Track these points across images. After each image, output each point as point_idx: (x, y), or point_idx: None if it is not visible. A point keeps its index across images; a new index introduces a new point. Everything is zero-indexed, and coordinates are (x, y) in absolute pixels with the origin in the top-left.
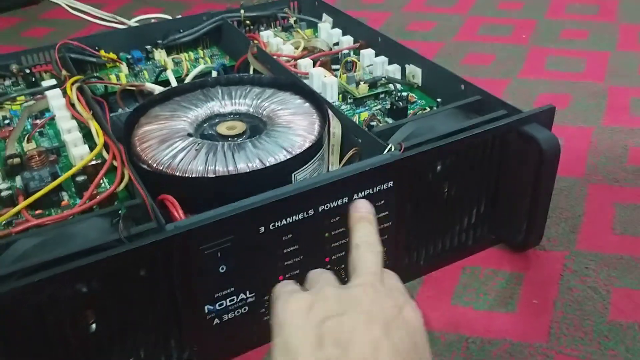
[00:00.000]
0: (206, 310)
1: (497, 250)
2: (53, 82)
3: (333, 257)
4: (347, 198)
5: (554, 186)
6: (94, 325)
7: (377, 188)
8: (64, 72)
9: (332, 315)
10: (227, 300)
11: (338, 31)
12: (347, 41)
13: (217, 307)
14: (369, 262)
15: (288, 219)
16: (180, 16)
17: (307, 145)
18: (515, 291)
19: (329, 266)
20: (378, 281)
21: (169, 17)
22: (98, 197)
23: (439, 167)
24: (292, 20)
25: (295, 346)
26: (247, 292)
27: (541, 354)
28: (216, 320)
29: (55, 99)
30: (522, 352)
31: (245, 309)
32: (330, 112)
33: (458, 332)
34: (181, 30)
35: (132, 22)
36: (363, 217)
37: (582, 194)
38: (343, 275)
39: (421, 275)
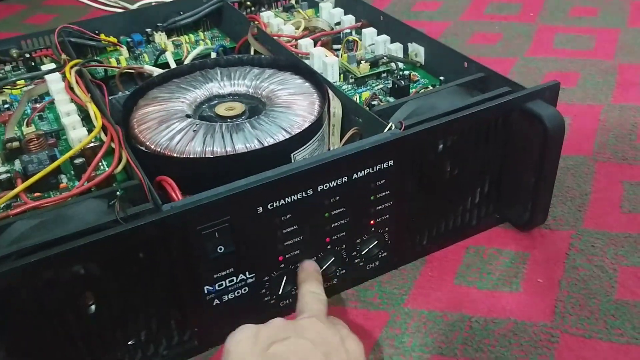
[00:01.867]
0: (206, 291)
1: (502, 230)
2: (53, 66)
3: (334, 238)
4: (346, 177)
5: (561, 165)
6: (93, 307)
7: (377, 167)
8: (63, 56)
9: (276, 340)
10: (227, 280)
11: (339, 10)
12: (349, 20)
13: (217, 288)
14: (314, 304)
15: (286, 199)
16: None
17: (306, 125)
18: (519, 270)
19: (329, 247)
20: (323, 316)
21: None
22: (96, 179)
23: (440, 146)
24: (293, 1)
25: None
26: (247, 273)
27: (545, 333)
28: (216, 301)
29: (54, 83)
30: (526, 331)
31: (245, 290)
32: (330, 92)
33: (461, 312)
34: (181, 13)
35: (135, 7)
36: (310, 273)
37: (589, 172)
38: (344, 256)
39: (424, 255)
